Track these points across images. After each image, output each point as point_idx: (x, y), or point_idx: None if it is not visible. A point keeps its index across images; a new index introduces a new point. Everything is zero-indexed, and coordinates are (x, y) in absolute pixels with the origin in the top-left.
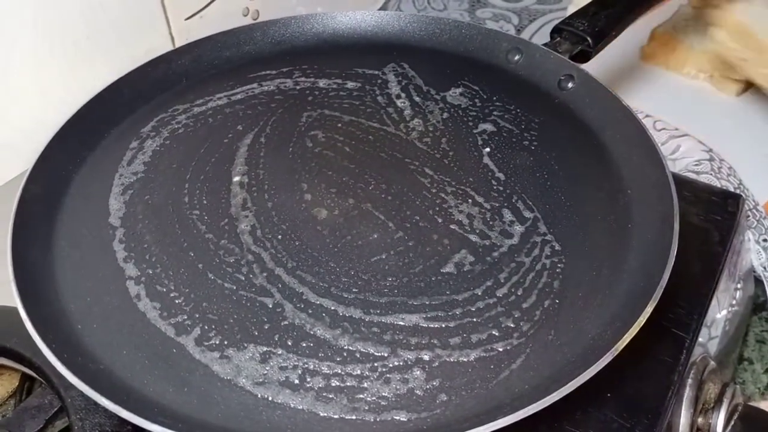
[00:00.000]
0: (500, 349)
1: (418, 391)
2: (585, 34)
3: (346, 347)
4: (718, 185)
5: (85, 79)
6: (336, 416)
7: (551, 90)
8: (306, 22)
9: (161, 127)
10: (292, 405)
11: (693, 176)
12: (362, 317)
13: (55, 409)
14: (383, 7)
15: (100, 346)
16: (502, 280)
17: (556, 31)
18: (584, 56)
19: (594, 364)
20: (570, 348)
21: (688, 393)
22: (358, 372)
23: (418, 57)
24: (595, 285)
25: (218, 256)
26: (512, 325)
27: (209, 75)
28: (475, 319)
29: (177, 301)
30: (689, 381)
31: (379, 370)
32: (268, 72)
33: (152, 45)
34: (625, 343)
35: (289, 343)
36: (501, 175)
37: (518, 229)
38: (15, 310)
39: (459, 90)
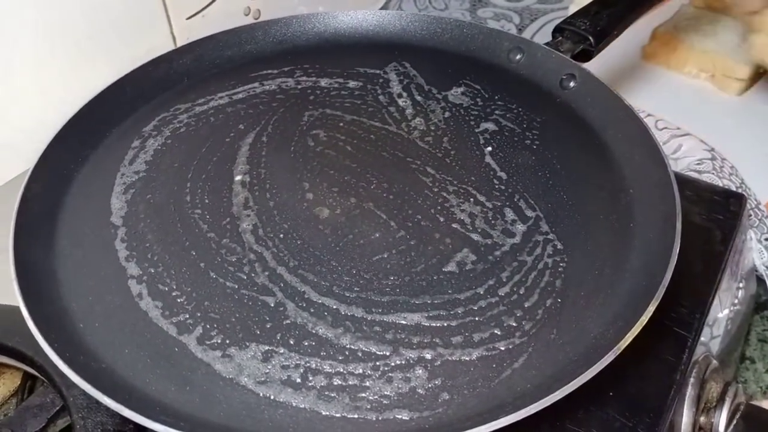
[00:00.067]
0: (502, 348)
1: (420, 390)
2: (587, 34)
3: (348, 346)
4: (720, 184)
5: (87, 78)
6: (338, 415)
7: (553, 89)
8: (307, 21)
9: (163, 126)
10: (294, 404)
11: (695, 175)
12: (364, 316)
13: (57, 408)
14: (384, 7)
15: (102, 345)
16: (504, 279)
17: (557, 31)
18: (586, 55)
19: (596, 363)
20: (572, 347)
21: (690, 392)
22: (360, 371)
23: (420, 56)
24: (598, 284)
25: (220, 255)
26: (514, 324)
27: (211, 74)
28: (477, 318)
29: (179, 300)
30: (691, 380)
31: (381, 369)
32: (269, 71)
33: (154, 44)
34: (627, 342)
35: (291, 342)
36: (503, 174)
37: (520, 228)
38: (17, 309)
39: (461, 89)
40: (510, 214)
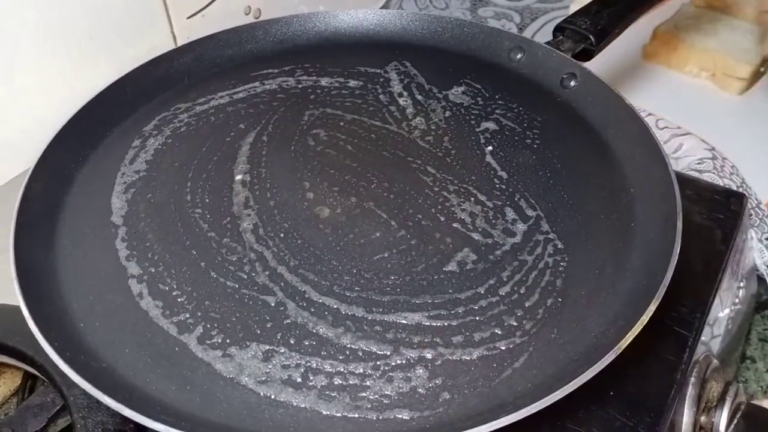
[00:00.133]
0: (503, 348)
1: (420, 390)
2: (587, 33)
3: (348, 346)
4: (721, 184)
5: (88, 78)
6: (338, 414)
7: (554, 88)
8: (308, 20)
9: (163, 125)
10: (294, 403)
11: (696, 175)
12: (365, 316)
13: (58, 408)
14: (385, 6)
15: (103, 345)
16: (505, 279)
17: (558, 30)
18: (587, 55)
19: (597, 362)
20: (573, 346)
21: (690, 391)
22: (361, 370)
23: (420, 55)
24: (598, 283)
25: (220, 254)
26: (515, 324)
27: (211, 73)
28: (477, 318)
29: (179, 300)
30: (692, 379)
31: (382, 368)
32: (270, 70)
33: (154, 44)
34: (628, 342)
35: (292, 342)
36: (503, 174)
37: (521, 227)
38: (17, 308)
39: (461, 88)
40: (511, 214)
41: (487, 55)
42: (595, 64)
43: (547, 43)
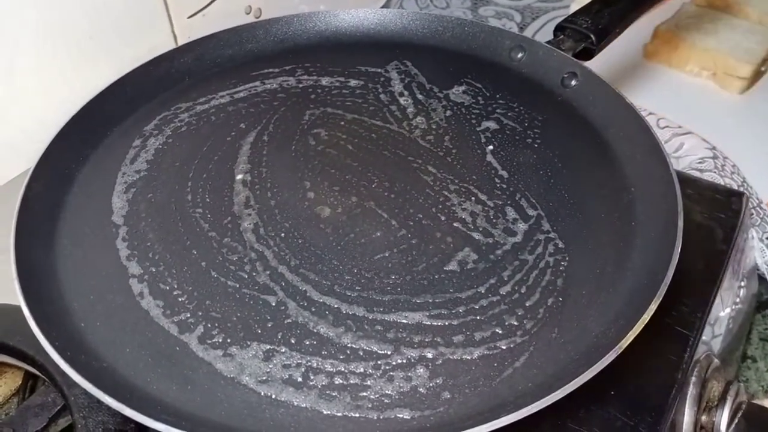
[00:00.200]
0: (504, 347)
1: (421, 389)
2: (588, 32)
3: (349, 345)
4: (722, 183)
5: (88, 78)
6: (339, 414)
7: (554, 88)
8: (308, 20)
9: (164, 125)
10: (295, 403)
11: (696, 174)
12: (365, 315)
13: (59, 408)
14: (386, 5)
15: (103, 344)
16: (506, 278)
17: (559, 29)
18: (587, 54)
19: (597, 362)
20: (573, 346)
21: (691, 391)
22: (362, 370)
23: (421, 55)
24: (599, 283)
25: (221, 254)
26: (516, 323)
27: (212, 73)
28: (478, 317)
29: (180, 299)
30: (693, 379)
31: (383, 368)
32: (270, 70)
33: (155, 43)
34: (628, 341)
35: (293, 341)
36: (504, 173)
37: (521, 227)
38: (18, 308)
39: (462, 88)
40: (511, 213)
41: (488, 54)
42: (596, 64)
43: (548, 42)
